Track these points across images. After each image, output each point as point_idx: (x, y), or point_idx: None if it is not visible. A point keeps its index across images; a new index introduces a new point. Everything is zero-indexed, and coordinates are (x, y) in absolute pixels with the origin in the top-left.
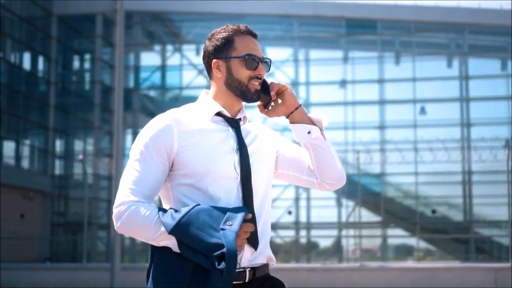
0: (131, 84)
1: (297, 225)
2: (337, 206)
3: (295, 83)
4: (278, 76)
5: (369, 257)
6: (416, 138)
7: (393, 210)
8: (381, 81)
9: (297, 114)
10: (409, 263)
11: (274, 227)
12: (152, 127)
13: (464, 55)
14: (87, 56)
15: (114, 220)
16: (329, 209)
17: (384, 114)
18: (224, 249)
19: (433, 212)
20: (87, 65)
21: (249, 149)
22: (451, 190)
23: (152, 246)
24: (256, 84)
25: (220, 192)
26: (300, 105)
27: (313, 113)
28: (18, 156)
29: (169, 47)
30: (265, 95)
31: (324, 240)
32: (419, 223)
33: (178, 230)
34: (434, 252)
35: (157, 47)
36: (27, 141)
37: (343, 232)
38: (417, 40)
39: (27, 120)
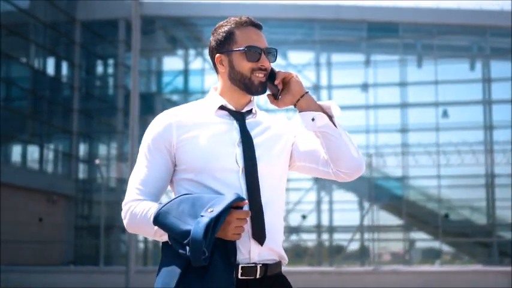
0: (154, 88)
1: (318, 229)
2: (359, 209)
3: (317, 87)
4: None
5: (395, 261)
6: (439, 141)
7: (415, 214)
8: (402, 84)
9: (303, 102)
10: (426, 267)
11: (298, 230)
12: (152, 126)
13: (487, 58)
14: (110, 61)
15: (123, 220)
16: (351, 212)
17: (406, 117)
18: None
19: (446, 215)
20: (110, 70)
21: (256, 141)
22: (473, 193)
23: (161, 244)
24: (260, 76)
25: (221, 186)
26: (307, 92)
27: (325, 101)
28: (42, 161)
29: (192, 52)
30: (274, 86)
31: (351, 243)
32: (442, 226)
33: (158, 220)
34: (463, 255)
35: (179, 52)
36: (51, 146)
37: (365, 235)
38: (439, 43)
39: (51, 125)
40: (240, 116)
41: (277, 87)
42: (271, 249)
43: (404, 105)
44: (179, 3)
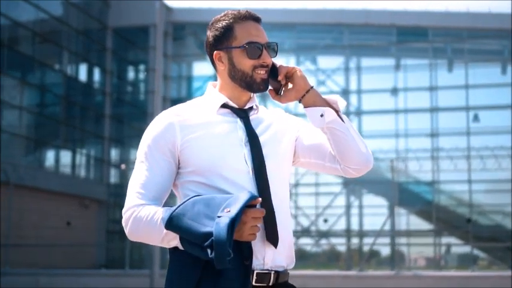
0: (184, 93)
1: (348, 233)
2: (391, 214)
3: (346, 91)
4: (329, 85)
5: (429, 266)
6: (469, 146)
7: (446, 219)
8: (433, 88)
9: (308, 97)
10: (449, 272)
11: (327, 234)
12: (153, 127)
13: None
14: (142, 67)
15: (124, 228)
16: (381, 217)
17: (436, 121)
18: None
19: (468, 220)
20: (141, 76)
21: (262, 139)
22: (505, 198)
23: (169, 251)
24: (262, 73)
25: (231, 187)
26: (312, 87)
27: (330, 95)
28: (74, 165)
29: None
30: (275, 81)
31: (385, 248)
32: (472, 231)
33: (172, 223)
34: (493, 261)
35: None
36: (84, 151)
37: (391, 240)
38: (469, 47)
39: (84, 130)
40: (243, 114)
41: (279, 82)
42: (283, 253)
43: (434, 110)
44: (209, 9)
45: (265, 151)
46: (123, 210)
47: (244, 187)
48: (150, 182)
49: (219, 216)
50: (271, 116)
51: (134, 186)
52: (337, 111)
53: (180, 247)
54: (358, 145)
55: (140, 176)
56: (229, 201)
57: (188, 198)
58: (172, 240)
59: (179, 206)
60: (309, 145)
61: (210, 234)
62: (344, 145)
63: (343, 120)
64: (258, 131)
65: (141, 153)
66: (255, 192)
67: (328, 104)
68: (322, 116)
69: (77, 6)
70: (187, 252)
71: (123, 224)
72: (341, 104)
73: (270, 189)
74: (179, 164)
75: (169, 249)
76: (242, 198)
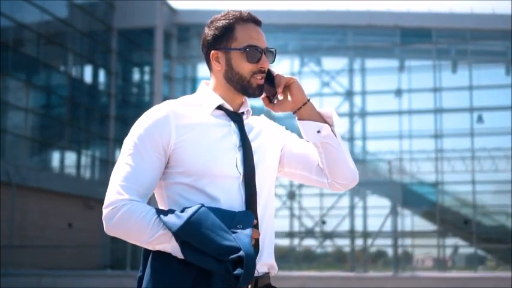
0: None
1: (352, 234)
2: (392, 215)
3: (350, 93)
4: (333, 86)
5: (435, 267)
6: (473, 147)
7: (450, 220)
8: (436, 89)
9: (304, 110)
10: (451, 273)
11: (331, 235)
12: (147, 118)
13: None
14: (146, 69)
15: (104, 221)
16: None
17: (441, 122)
18: (241, 253)
19: (465, 222)
20: (146, 77)
21: (253, 146)
22: (508, 199)
23: (144, 252)
24: (259, 79)
25: (220, 192)
26: (309, 100)
27: (324, 108)
28: (79, 167)
29: None
30: (270, 87)
31: (392, 249)
32: (476, 232)
33: (187, 229)
34: (495, 261)
35: None
36: (89, 152)
37: (399, 241)
38: (473, 48)
39: (89, 132)
40: (238, 118)
41: (274, 89)
42: (264, 262)
43: (438, 111)
44: (214, 11)
45: (255, 158)
46: (107, 203)
47: (233, 193)
48: (139, 176)
49: (233, 232)
50: (259, 123)
51: (121, 179)
52: (330, 126)
53: (169, 251)
54: (347, 161)
55: (128, 169)
56: (237, 218)
57: (198, 207)
58: (160, 244)
59: (194, 214)
60: (296, 156)
61: (233, 248)
62: (335, 160)
63: (335, 136)
64: (250, 136)
65: (130, 145)
66: (243, 199)
67: (322, 118)
68: (319, 132)
69: (81, 8)
70: (175, 261)
71: (106, 216)
72: (335, 118)
73: (257, 197)
74: (168, 163)
75: (150, 252)
76: (249, 218)
